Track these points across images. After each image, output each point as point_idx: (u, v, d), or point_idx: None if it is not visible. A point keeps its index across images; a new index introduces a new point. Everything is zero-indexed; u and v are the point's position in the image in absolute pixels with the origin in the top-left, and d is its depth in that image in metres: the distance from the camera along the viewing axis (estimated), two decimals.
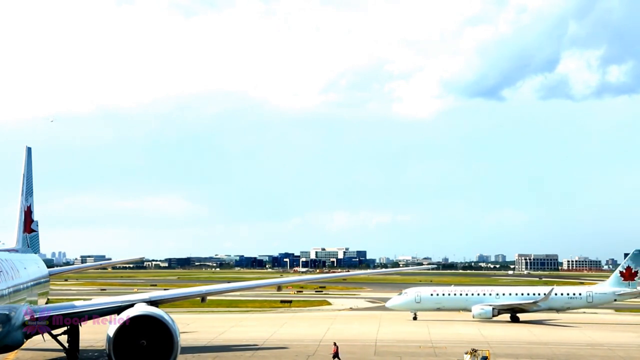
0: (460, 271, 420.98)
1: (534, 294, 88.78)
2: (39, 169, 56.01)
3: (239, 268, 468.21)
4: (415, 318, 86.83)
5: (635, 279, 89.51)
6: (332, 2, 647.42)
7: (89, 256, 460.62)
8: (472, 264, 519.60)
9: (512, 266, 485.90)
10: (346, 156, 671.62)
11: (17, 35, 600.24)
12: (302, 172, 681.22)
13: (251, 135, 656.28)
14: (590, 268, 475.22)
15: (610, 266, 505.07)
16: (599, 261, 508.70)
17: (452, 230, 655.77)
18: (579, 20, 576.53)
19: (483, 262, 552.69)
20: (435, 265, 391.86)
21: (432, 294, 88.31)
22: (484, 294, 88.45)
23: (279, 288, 59.64)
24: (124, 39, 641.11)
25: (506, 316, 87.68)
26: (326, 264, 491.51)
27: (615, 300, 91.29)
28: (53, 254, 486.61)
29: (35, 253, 53.57)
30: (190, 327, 74.92)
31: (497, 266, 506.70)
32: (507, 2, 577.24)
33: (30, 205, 53.27)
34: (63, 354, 47.67)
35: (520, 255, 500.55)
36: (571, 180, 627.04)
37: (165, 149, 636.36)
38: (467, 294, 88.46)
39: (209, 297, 51.64)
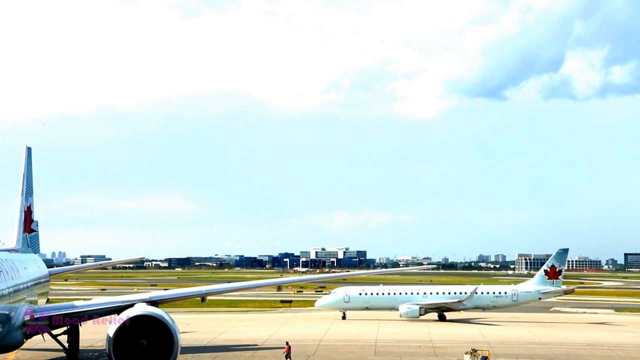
0: (460, 271, 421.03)
1: (460, 293, 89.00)
2: (39, 169, 56.08)
3: (239, 268, 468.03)
4: (344, 317, 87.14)
5: (559, 277, 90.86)
6: (335, 2, 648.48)
7: (89, 256, 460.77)
8: (472, 264, 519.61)
9: (512, 266, 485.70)
10: (347, 156, 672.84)
11: (18, 35, 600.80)
12: (302, 172, 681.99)
13: (252, 135, 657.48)
14: (590, 268, 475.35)
15: (610, 266, 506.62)
16: (599, 261, 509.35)
17: (452, 230, 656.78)
18: (584, 20, 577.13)
19: (483, 262, 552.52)
20: (435, 265, 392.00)
21: (360, 294, 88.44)
22: (412, 293, 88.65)
23: (279, 288, 59.73)
24: (127, 38, 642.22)
25: (434, 315, 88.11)
26: (326, 264, 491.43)
27: (539, 298, 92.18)
28: (53, 254, 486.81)
29: (35, 253, 53.56)
30: (190, 327, 74.89)
31: (497, 266, 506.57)
32: (512, 1, 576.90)
33: (30, 205, 53.27)
34: (63, 354, 47.66)
35: (520, 255, 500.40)
36: (571, 180, 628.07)
37: (166, 149, 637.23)
38: (395, 293, 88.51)
39: (209, 297, 51.65)
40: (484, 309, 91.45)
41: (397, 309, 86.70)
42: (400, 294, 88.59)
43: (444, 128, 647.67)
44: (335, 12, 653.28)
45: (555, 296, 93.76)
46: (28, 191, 52.98)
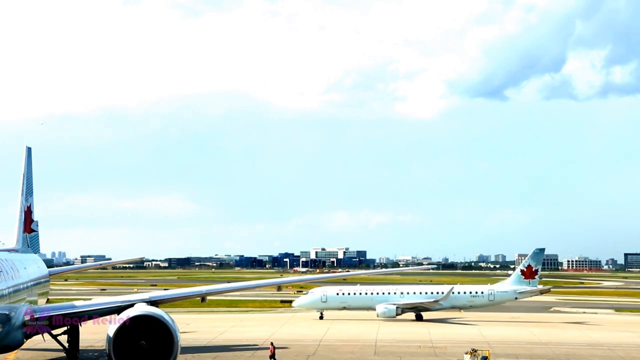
0: (460, 271, 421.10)
1: (436, 293, 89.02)
2: (39, 169, 56.08)
3: (239, 268, 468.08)
4: (321, 317, 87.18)
5: (535, 277, 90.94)
6: (336, 2, 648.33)
7: (89, 256, 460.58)
8: (472, 264, 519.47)
9: (512, 266, 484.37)
10: (347, 156, 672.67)
11: (19, 34, 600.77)
12: (302, 172, 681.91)
13: (252, 136, 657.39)
14: (590, 268, 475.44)
15: (610, 266, 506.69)
16: (599, 261, 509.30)
17: (452, 230, 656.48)
18: (585, 21, 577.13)
19: (483, 262, 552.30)
20: (435, 265, 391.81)
21: (337, 293, 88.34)
22: (389, 293, 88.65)
23: (279, 288, 59.75)
24: (127, 38, 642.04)
25: (411, 315, 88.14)
26: (326, 264, 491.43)
27: (516, 298, 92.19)
28: (53, 254, 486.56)
29: (35, 253, 53.57)
30: (190, 327, 74.90)
31: (497, 266, 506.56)
32: (513, 1, 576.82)
33: (30, 205, 53.28)
34: (63, 354, 47.68)
35: (520, 255, 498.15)
36: (571, 180, 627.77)
37: (166, 149, 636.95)
38: (372, 293, 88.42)
39: (209, 297, 51.68)
40: (460, 308, 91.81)
41: (374, 309, 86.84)
42: (377, 294, 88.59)
43: (445, 128, 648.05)
44: (336, 12, 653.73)
45: (531, 296, 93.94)
46: (28, 191, 52.99)
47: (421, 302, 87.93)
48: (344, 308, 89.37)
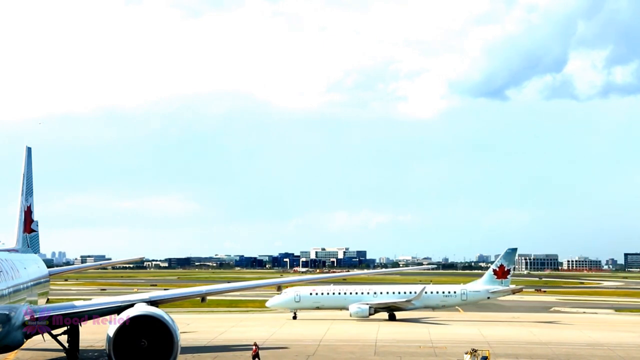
0: (460, 271, 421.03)
1: (409, 293, 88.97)
2: (39, 169, 56.06)
3: (239, 268, 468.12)
4: (295, 317, 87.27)
5: (507, 277, 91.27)
6: (337, 2, 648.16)
7: (89, 256, 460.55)
8: (472, 264, 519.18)
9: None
10: (347, 156, 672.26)
11: (19, 34, 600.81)
12: (302, 172, 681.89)
13: (253, 136, 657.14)
14: (590, 268, 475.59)
15: (610, 266, 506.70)
16: (599, 261, 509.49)
17: (452, 230, 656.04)
18: (587, 21, 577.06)
19: (483, 262, 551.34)
20: (435, 265, 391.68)
21: (311, 293, 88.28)
22: (362, 293, 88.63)
23: (279, 288, 59.74)
24: (128, 38, 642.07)
25: (384, 315, 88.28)
26: (326, 264, 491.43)
27: (488, 297, 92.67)
28: (53, 254, 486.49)
29: (35, 253, 53.56)
30: (190, 327, 74.91)
31: None
32: (515, 1, 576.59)
33: (30, 205, 53.27)
34: (63, 354, 47.67)
35: (520, 255, 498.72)
36: (571, 180, 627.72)
37: (166, 149, 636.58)
38: (345, 293, 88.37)
39: (209, 297, 51.65)
40: (433, 308, 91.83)
41: (347, 309, 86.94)
42: (350, 293, 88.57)
43: (445, 128, 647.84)
44: (337, 12, 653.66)
45: (503, 295, 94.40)
46: (28, 191, 52.98)
47: (394, 301, 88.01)
48: (318, 308, 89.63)
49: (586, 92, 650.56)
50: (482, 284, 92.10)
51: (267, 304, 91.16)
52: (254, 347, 52.99)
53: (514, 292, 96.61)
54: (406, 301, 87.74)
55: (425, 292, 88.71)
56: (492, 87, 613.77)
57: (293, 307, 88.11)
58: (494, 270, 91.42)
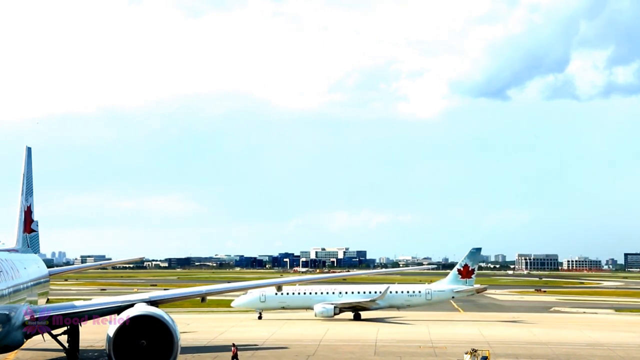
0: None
1: (374, 292, 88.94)
2: (39, 169, 56.02)
3: (239, 268, 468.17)
4: (260, 317, 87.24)
5: (472, 276, 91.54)
6: (338, 2, 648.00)
7: (89, 256, 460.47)
8: None
9: (512, 266, 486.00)
10: (347, 156, 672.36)
11: (20, 34, 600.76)
12: (302, 172, 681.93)
13: (253, 136, 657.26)
14: (590, 268, 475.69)
15: (610, 266, 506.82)
16: (599, 261, 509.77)
17: (452, 230, 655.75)
18: (589, 21, 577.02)
19: (483, 262, 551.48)
20: (435, 265, 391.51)
21: (276, 293, 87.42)
22: (327, 293, 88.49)
23: (279, 288, 59.62)
24: (129, 38, 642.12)
25: (349, 315, 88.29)
26: (326, 264, 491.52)
27: (453, 297, 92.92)
28: (53, 254, 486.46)
29: (35, 253, 53.54)
30: (190, 327, 74.91)
31: (497, 266, 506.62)
32: (517, 1, 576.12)
33: (30, 205, 53.25)
34: (63, 354, 47.67)
35: (520, 255, 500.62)
36: (571, 180, 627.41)
37: (166, 149, 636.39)
38: (310, 293, 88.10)
39: (209, 297, 51.63)
40: (398, 307, 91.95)
41: (312, 309, 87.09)
42: (315, 293, 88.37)
43: (446, 128, 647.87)
44: (338, 12, 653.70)
45: (467, 295, 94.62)
46: (28, 191, 52.97)
47: (358, 301, 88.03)
48: (283, 308, 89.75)
49: (587, 92, 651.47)
50: (447, 284, 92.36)
51: (232, 304, 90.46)
52: (232, 348, 52.88)
53: (478, 291, 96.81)
54: (370, 301, 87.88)
55: (390, 292, 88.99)
56: (494, 87, 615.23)
57: (259, 307, 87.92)
58: (459, 270, 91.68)
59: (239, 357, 52.16)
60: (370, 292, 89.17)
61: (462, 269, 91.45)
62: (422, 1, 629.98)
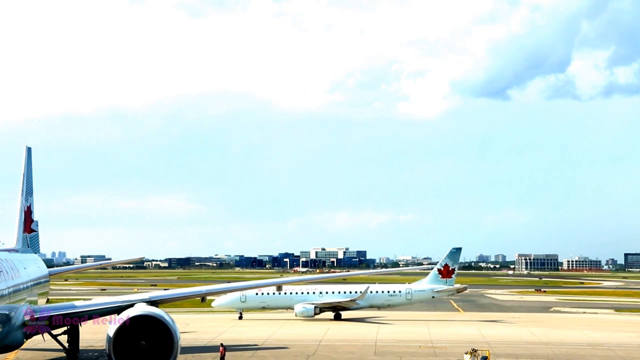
0: (460, 271, 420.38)
1: (354, 292, 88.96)
2: (39, 169, 56.00)
3: (239, 268, 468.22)
4: (240, 317, 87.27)
5: (452, 276, 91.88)
6: (341, 2, 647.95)
7: (89, 256, 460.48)
8: (472, 264, 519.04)
9: (512, 266, 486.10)
10: (348, 156, 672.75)
11: (20, 34, 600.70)
12: (303, 172, 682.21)
13: (254, 136, 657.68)
14: (590, 268, 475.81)
15: (610, 266, 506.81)
16: (599, 261, 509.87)
17: (452, 230, 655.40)
18: (590, 21, 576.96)
19: (483, 262, 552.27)
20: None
21: (257, 293, 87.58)
22: (308, 293, 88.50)
23: (279, 288, 59.63)
24: (131, 38, 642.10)
25: (330, 314, 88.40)
26: (326, 264, 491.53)
27: (433, 297, 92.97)
28: (53, 254, 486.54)
29: (35, 253, 53.50)
30: (190, 327, 74.91)
31: (497, 266, 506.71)
32: (519, 0, 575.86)
33: (30, 205, 53.23)
34: (63, 354, 47.65)
35: (520, 255, 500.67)
36: (571, 180, 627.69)
37: (167, 149, 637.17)
38: (291, 293, 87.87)
39: (209, 297, 51.64)
40: (379, 307, 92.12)
41: (293, 309, 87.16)
42: (296, 293, 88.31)
43: (446, 128, 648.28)
44: (340, 12, 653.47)
45: (448, 294, 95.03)
46: (28, 191, 52.94)
47: (339, 301, 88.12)
48: (264, 308, 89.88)
49: (588, 92, 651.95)
50: (427, 284, 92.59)
51: (212, 304, 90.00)
52: (220, 349, 52.85)
53: (458, 291, 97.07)
54: (350, 301, 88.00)
55: (370, 292, 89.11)
56: (494, 87, 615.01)
57: (239, 307, 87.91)
58: (439, 270, 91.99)
59: (227, 357, 52.09)
60: (350, 292, 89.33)
61: (442, 268, 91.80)
62: (424, 1, 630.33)
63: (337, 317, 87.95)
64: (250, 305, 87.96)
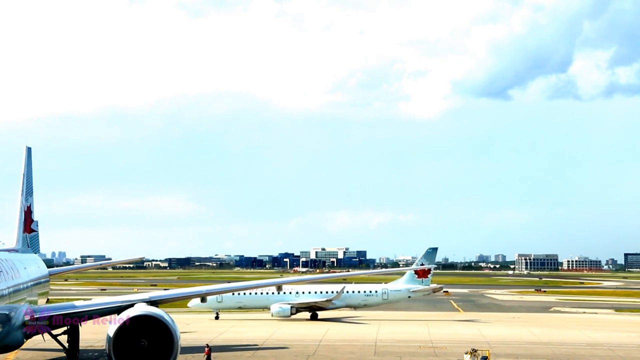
0: (460, 271, 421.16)
1: (331, 292, 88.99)
2: (39, 169, 56.01)
3: (239, 268, 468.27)
4: (217, 317, 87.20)
5: (428, 276, 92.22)
6: (341, 2, 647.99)
7: (89, 256, 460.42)
8: (472, 264, 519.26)
9: (512, 266, 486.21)
10: (348, 156, 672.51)
11: (21, 34, 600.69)
12: (303, 172, 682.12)
13: (254, 136, 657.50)
14: (590, 268, 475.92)
15: (610, 266, 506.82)
16: (599, 261, 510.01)
17: (452, 230, 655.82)
18: (592, 21, 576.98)
19: (483, 262, 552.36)
20: (435, 265, 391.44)
21: (233, 293, 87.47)
22: (284, 293, 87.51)
23: (279, 288, 59.62)
24: (131, 38, 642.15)
25: (307, 314, 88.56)
26: (326, 264, 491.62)
27: (409, 297, 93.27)
28: (53, 254, 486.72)
29: (35, 253, 53.50)
30: (190, 327, 74.92)
31: (497, 266, 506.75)
32: (521, 1, 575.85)
33: (30, 205, 53.23)
34: (63, 354, 47.65)
35: (520, 255, 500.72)
36: (571, 180, 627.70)
37: (167, 149, 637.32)
38: (267, 293, 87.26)
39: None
40: (355, 307, 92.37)
41: (269, 309, 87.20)
42: (272, 293, 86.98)
43: (446, 128, 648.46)
44: (341, 12, 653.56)
45: (424, 294, 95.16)
46: (28, 191, 52.94)
47: (315, 301, 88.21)
48: (240, 308, 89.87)
49: (589, 92, 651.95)
50: (403, 283, 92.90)
51: (189, 304, 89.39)
52: (206, 349, 52.83)
53: (434, 291, 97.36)
54: (326, 301, 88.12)
55: (347, 292, 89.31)
56: (496, 87, 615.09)
57: (215, 307, 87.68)
58: (415, 270, 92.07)
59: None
60: (327, 292, 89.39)
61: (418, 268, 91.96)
62: (425, 1, 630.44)
63: (314, 317, 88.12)
64: (227, 305, 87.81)
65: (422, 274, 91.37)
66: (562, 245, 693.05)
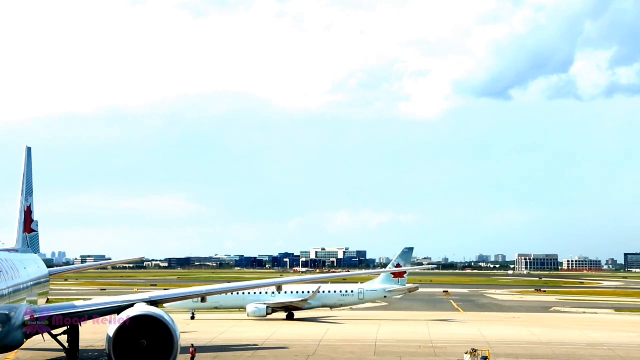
0: (460, 271, 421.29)
1: (307, 292, 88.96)
2: (39, 169, 56.00)
3: (239, 268, 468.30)
4: (193, 317, 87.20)
5: (404, 276, 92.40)
6: (342, 2, 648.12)
7: (89, 256, 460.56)
8: (472, 264, 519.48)
9: (512, 266, 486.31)
10: (348, 156, 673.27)
11: (22, 34, 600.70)
12: (303, 172, 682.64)
13: (254, 136, 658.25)
14: (590, 268, 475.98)
15: (610, 266, 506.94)
16: (599, 261, 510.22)
17: (452, 230, 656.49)
18: (593, 21, 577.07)
19: (483, 262, 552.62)
20: (435, 265, 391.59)
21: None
22: (260, 293, 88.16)
23: (279, 288, 59.62)
24: (131, 38, 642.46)
25: (283, 314, 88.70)
26: (326, 264, 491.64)
27: (385, 296, 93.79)
28: (53, 254, 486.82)
29: (35, 253, 53.49)
30: (190, 327, 74.91)
31: (497, 266, 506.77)
32: (522, 1, 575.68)
33: (30, 205, 53.22)
34: (63, 354, 47.64)
35: (520, 255, 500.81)
36: (571, 180, 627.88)
37: (167, 149, 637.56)
38: (244, 293, 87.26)
39: (209, 297, 51.61)
40: (331, 307, 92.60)
41: (245, 309, 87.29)
42: (249, 293, 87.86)
43: (447, 128, 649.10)
44: (341, 12, 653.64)
45: (400, 294, 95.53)
46: (28, 191, 52.93)
47: (291, 301, 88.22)
48: (216, 308, 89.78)
49: (590, 93, 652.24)
50: (379, 283, 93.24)
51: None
52: (190, 349, 52.79)
53: (410, 290, 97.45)
54: (302, 300, 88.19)
55: (323, 292, 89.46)
56: (496, 87, 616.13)
57: (191, 308, 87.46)
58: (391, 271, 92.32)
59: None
60: (303, 292, 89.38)
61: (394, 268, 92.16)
62: (425, 1, 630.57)
63: (290, 317, 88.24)
64: (203, 306, 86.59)
65: (398, 273, 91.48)
66: (562, 245, 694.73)
